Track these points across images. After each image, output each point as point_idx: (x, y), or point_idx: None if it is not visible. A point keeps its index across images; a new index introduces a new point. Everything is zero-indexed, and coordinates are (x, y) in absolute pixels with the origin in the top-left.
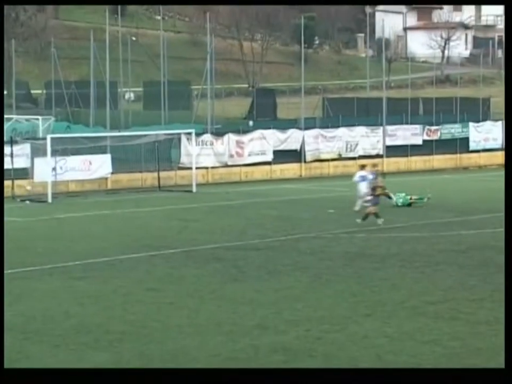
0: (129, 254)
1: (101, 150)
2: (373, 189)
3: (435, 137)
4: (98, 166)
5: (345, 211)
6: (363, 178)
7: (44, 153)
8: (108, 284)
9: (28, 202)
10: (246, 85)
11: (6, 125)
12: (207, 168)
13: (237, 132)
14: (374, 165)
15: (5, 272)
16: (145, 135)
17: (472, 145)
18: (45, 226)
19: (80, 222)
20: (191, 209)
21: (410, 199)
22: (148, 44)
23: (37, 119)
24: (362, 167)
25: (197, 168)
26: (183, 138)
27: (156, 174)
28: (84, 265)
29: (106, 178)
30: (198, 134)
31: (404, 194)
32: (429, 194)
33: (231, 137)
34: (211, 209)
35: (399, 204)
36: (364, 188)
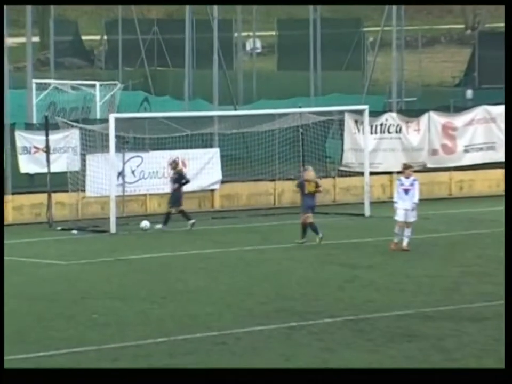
0: (253, 325)
1: (204, 142)
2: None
3: None
4: (198, 170)
5: None
6: None
7: (103, 147)
8: None
9: (75, 232)
10: (462, 26)
11: (40, 97)
12: (390, 173)
13: (445, 109)
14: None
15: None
16: (280, 115)
17: None
18: (106, 274)
19: (165, 268)
20: (361, 246)
21: None
22: None
23: (93, 85)
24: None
25: (372, 173)
26: (349, 120)
27: None
28: (171, 344)
29: (212, 191)
30: (375, 113)
31: None
32: None
33: (433, 119)
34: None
35: None
36: None
